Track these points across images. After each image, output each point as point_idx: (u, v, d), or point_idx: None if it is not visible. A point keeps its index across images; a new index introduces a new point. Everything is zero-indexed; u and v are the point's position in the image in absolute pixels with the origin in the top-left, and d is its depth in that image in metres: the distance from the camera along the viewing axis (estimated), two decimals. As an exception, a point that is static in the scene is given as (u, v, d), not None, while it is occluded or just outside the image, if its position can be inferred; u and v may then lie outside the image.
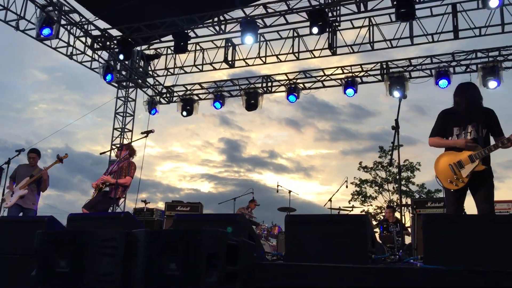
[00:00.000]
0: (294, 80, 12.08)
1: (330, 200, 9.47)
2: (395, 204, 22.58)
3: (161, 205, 11.33)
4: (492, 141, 4.33)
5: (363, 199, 25.23)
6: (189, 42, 10.69)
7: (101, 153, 6.29)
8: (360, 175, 25.68)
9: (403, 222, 9.61)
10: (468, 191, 4.37)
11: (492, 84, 9.94)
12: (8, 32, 10.14)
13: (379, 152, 25.51)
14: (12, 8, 9.75)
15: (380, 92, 32.87)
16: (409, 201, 13.13)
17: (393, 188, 24.65)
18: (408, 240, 9.22)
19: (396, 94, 10.67)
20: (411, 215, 8.94)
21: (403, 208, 11.35)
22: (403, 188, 24.07)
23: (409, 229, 9.15)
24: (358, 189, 25.43)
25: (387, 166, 24.82)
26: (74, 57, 11.58)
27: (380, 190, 25.19)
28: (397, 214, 10.37)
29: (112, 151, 12.23)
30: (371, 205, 25.18)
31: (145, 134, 6.24)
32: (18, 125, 43.10)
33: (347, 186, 9.97)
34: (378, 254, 3.44)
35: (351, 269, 3.03)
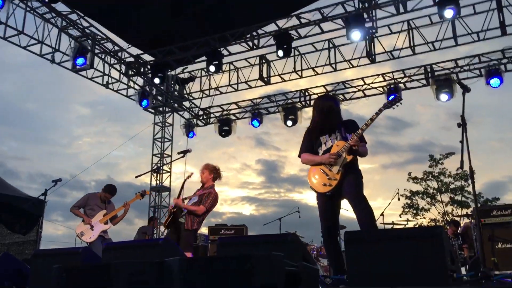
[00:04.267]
0: (333, 92, 11.63)
1: (382, 214, 8.87)
2: (451, 217, 21.40)
3: (204, 230, 10.96)
4: None
5: (414, 211, 24.00)
6: (223, 62, 10.46)
7: (136, 176, 5.99)
8: (410, 186, 24.46)
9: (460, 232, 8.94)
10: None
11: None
12: (48, 69, 10.26)
13: (429, 161, 24.29)
14: (47, 41, 9.85)
15: (417, 102, 31.79)
16: (467, 211, 12.30)
17: (448, 199, 23.39)
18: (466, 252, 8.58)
19: (444, 97, 10.25)
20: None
21: (463, 218, 10.60)
22: (458, 198, 22.87)
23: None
24: (409, 201, 24.20)
25: (438, 175, 23.66)
26: (110, 85, 11.63)
27: (433, 201, 23.94)
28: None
29: (152, 175, 12.06)
30: (424, 217, 23.90)
31: (182, 154, 5.96)
32: (64, 160, 44.22)
33: (399, 199, 9.40)
34: (458, 273, 2.92)
35: (431, 293, 2.53)
